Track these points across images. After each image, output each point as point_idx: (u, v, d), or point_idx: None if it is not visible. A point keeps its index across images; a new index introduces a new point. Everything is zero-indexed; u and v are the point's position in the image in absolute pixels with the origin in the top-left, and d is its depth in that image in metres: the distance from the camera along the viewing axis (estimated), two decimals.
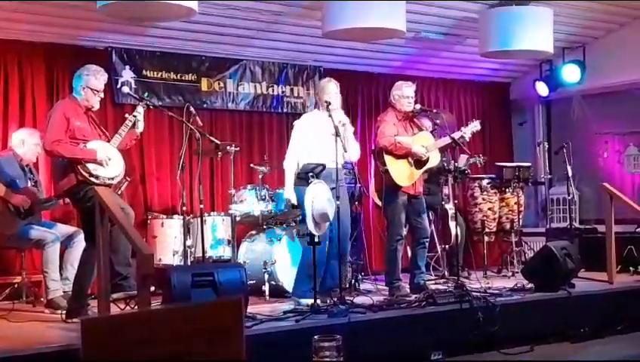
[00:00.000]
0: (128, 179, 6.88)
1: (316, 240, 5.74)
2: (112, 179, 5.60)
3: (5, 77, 7.25)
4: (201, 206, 6.33)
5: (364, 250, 8.01)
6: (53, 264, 6.26)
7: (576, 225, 9.25)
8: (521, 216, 8.73)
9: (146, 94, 6.31)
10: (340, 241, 6.13)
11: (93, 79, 5.63)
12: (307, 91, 8.89)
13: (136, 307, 5.09)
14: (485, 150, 9.58)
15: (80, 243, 6.15)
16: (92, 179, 5.43)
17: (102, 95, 5.76)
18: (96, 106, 5.75)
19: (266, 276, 6.75)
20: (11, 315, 5.79)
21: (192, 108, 6.25)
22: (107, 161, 5.52)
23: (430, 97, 9.78)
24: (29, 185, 6.56)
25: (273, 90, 8.70)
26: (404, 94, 6.77)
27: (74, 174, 5.45)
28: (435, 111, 7.29)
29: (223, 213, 7.39)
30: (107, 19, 6.69)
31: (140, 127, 5.89)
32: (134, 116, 5.81)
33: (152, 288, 4.83)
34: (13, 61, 7.29)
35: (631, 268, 7.70)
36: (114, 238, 5.30)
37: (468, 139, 7.06)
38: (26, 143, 6.59)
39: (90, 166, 5.46)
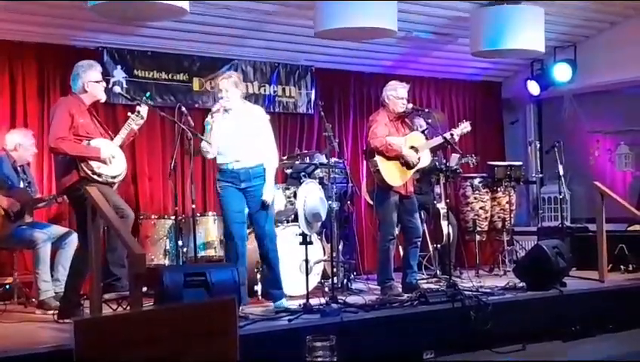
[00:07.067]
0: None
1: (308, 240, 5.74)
2: (115, 177, 5.56)
3: None
4: (193, 206, 6.31)
5: (357, 250, 8.01)
6: (44, 265, 6.23)
7: (568, 223, 9.27)
8: (512, 215, 8.75)
9: (148, 94, 6.23)
10: (261, 244, 6.09)
11: (90, 72, 5.61)
12: (299, 91, 8.89)
13: (128, 307, 5.08)
14: (477, 149, 9.58)
15: (71, 245, 6.13)
16: (95, 176, 5.40)
17: (104, 83, 5.74)
18: (103, 97, 5.74)
19: (259, 276, 6.74)
20: (3, 316, 5.77)
21: (183, 108, 6.20)
22: (111, 159, 5.50)
23: (422, 97, 9.77)
24: (22, 185, 6.54)
25: (265, 89, 8.68)
26: (399, 95, 6.75)
27: (76, 171, 5.42)
28: (426, 110, 7.30)
29: (214, 213, 7.38)
30: (98, 19, 6.66)
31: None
32: (141, 118, 5.71)
33: (144, 288, 4.81)
34: (3, 61, 7.26)
35: (622, 267, 7.72)
36: (112, 236, 5.26)
37: (457, 139, 7.07)
38: (21, 147, 6.55)
39: (94, 164, 5.42)
